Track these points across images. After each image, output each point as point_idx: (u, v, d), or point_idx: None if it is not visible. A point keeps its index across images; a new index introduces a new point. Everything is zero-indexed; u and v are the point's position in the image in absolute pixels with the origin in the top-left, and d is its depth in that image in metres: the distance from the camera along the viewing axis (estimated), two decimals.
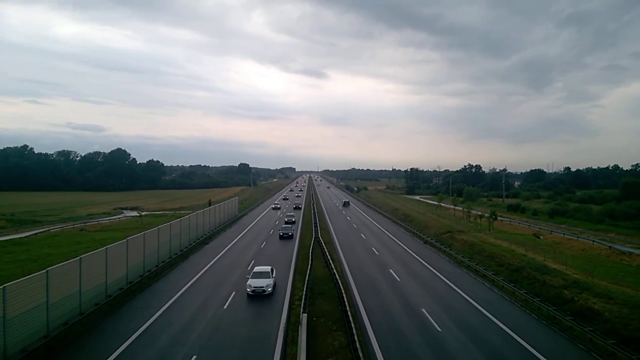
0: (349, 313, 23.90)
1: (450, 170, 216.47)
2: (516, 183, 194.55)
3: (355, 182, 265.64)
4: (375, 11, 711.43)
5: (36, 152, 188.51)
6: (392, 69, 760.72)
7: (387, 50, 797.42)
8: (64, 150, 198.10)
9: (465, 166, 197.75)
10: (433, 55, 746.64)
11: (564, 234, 61.45)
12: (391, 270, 36.86)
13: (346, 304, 25.60)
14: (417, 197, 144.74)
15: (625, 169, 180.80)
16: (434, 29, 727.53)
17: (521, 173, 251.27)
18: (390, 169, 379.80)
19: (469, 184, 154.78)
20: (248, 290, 28.24)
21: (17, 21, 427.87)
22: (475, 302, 28.13)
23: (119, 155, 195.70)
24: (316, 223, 64.07)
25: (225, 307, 26.50)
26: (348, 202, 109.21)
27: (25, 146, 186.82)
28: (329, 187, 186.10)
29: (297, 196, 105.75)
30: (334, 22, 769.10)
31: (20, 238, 54.75)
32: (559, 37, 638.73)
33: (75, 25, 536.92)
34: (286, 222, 64.39)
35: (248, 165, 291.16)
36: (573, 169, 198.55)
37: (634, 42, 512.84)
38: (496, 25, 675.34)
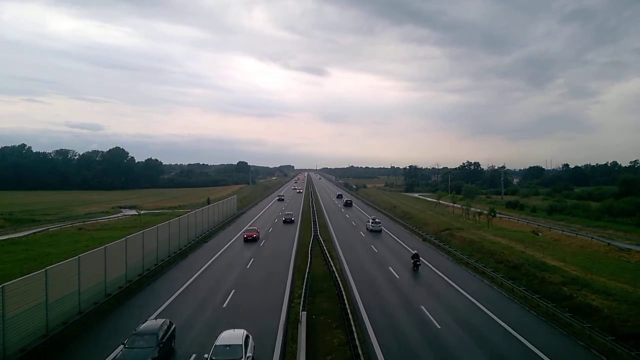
0: (349, 311, 23.92)
1: (449, 167, 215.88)
2: (515, 180, 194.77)
3: (354, 179, 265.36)
4: (377, 7, 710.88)
5: (34, 151, 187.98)
6: (392, 66, 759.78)
7: (389, 46, 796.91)
8: (62, 149, 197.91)
9: (464, 163, 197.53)
10: (434, 51, 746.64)
11: (562, 230, 61.52)
12: (390, 268, 36.90)
13: (345, 301, 25.62)
14: (416, 195, 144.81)
15: (623, 165, 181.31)
16: (436, 25, 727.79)
17: (520, 170, 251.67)
18: (389, 167, 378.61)
19: (467, 181, 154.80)
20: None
21: (14, 18, 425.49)
22: (475, 299, 28.18)
23: (117, 154, 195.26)
24: (315, 221, 64.13)
25: (224, 305, 26.52)
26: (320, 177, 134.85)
27: (23, 145, 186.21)
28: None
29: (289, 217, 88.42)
30: (336, 18, 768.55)
31: (19, 237, 54.66)
32: (560, 33, 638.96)
33: (72, 22, 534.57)
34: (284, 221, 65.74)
35: (246, 163, 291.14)
36: (572, 166, 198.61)
37: (635, 38, 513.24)
38: (498, 22, 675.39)
